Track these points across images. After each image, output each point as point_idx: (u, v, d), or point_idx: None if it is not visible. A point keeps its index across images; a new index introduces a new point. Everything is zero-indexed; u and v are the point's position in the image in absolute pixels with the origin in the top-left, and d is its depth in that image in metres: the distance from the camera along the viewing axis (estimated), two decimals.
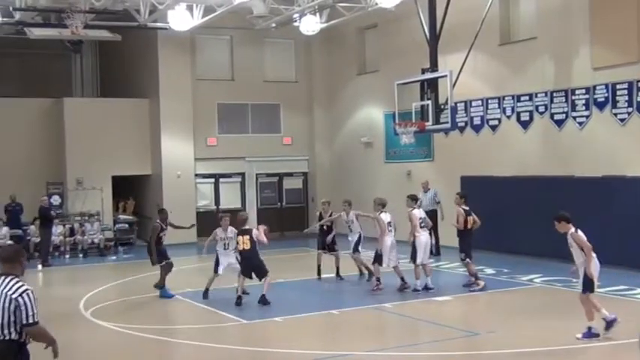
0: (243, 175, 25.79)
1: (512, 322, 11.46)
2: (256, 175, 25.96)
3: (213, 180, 25.42)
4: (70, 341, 11.12)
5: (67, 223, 22.39)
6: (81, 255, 21.61)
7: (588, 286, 9.99)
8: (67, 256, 21.55)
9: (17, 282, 6.10)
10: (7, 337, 6.05)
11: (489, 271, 16.77)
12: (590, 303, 9.98)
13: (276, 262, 17.26)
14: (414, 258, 14.32)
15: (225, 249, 14.14)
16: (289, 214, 26.25)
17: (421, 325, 11.90)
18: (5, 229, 21.12)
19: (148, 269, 15.97)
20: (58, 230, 21.73)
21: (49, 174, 23.66)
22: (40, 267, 19.91)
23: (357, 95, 25.02)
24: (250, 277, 13.52)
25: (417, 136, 18.88)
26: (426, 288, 14.22)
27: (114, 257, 21.91)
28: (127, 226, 23.80)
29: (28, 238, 21.34)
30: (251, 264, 13.35)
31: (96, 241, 22.15)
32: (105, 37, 22.06)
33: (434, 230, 19.47)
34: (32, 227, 21.44)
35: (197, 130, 24.54)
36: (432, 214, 19.36)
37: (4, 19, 19.50)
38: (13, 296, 6.00)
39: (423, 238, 14.42)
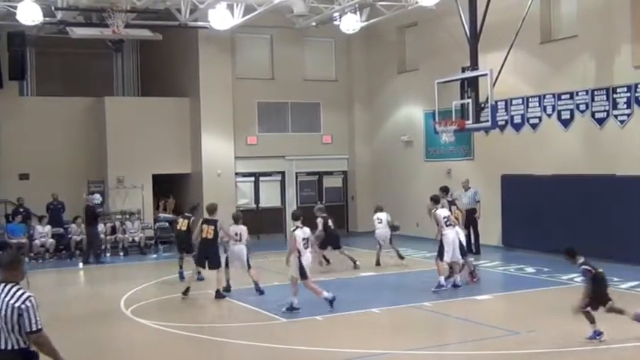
0: (283, 173, 25.86)
1: (552, 322, 11.30)
2: (296, 173, 26.02)
3: (253, 179, 25.53)
4: (110, 339, 11.31)
5: (108, 222, 22.65)
6: (122, 253, 21.84)
7: (303, 273, 12.30)
8: (108, 254, 21.79)
9: (18, 289, 5.94)
10: (14, 347, 5.88)
11: (529, 270, 16.59)
12: (309, 287, 12.36)
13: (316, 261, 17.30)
14: (440, 255, 14.23)
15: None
16: (329, 213, 26.12)
17: (461, 324, 11.79)
18: (47, 227, 21.48)
19: (188, 268, 16.11)
20: (99, 228, 22.04)
21: (90, 172, 24.00)
22: (81, 265, 20.21)
23: (397, 94, 24.91)
24: (203, 267, 14.54)
25: (457, 135, 18.84)
26: (454, 285, 14.26)
27: (154, 255, 22.12)
28: (167, 224, 23.97)
29: (70, 236, 21.66)
30: (206, 253, 14.26)
31: (136, 239, 22.36)
32: (146, 37, 22.30)
33: (474, 229, 19.35)
34: (73, 226, 21.77)
35: (237, 129, 24.68)
36: (472, 213, 19.27)
37: (47, 18, 19.77)
38: (16, 304, 5.83)
39: (450, 235, 14.29)
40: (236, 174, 24.93)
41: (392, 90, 25.18)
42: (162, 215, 24.40)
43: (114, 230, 22.43)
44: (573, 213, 17.87)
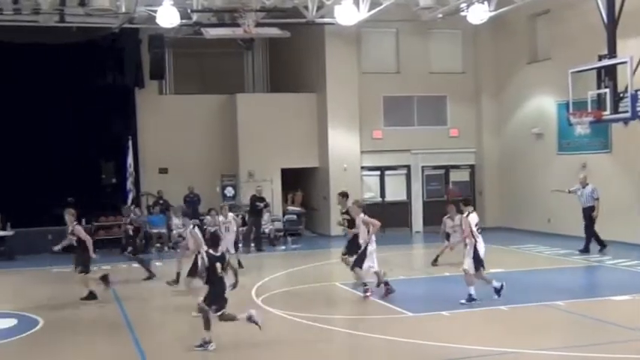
0: (408, 167, 25.74)
1: None
2: (422, 167, 25.82)
3: (378, 172, 25.59)
4: (244, 328, 11.68)
5: (239, 214, 23.37)
6: (252, 244, 22.50)
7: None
8: (240, 245, 22.48)
9: None
10: None
11: None
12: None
13: (442, 256, 17.13)
14: (477, 265, 12.62)
15: None
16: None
17: (596, 325, 11.31)
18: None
19: (315, 259, 16.37)
20: (219, 219, 22.85)
21: (223, 166, 24.95)
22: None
23: (527, 85, 24.15)
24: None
25: (593, 127, 18.03)
26: (471, 299, 12.62)
27: (283, 247, 22.63)
28: (295, 217, 24.52)
29: (205, 227, 22.51)
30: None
31: (266, 231, 22.96)
32: (275, 35, 22.84)
33: (591, 227, 18.51)
34: (208, 217, 22.58)
35: (363, 123, 24.81)
36: (590, 211, 18.48)
37: (183, 20, 20.77)
38: None
39: (482, 244, 12.85)
40: (362, 168, 25.08)
41: (522, 81, 24.44)
42: (290, 208, 24.94)
43: (245, 222, 23.11)
44: None
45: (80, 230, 13.98)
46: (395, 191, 25.63)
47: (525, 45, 24.33)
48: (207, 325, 10.02)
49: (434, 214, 25.38)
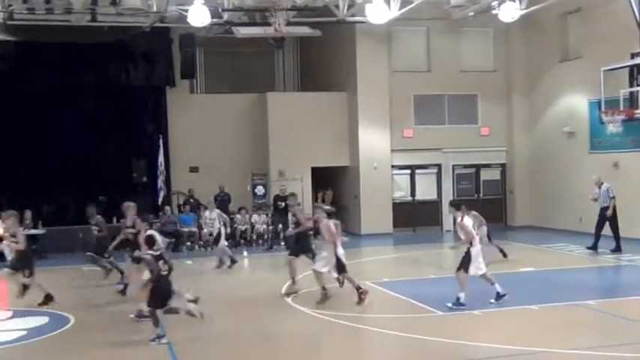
0: (439, 166, 25.69)
1: None
2: (452, 166, 25.74)
3: (409, 171, 25.56)
4: (272, 325, 11.81)
5: (269, 212, 23.53)
6: (282, 243, 22.59)
7: None
8: (270, 243, 22.64)
9: None
10: None
11: None
12: None
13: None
14: (465, 267, 12.35)
15: None
16: (487, 206, 25.70)
17: (628, 325, 11.20)
18: (214, 213, 22.55)
19: (345, 258, 16.37)
20: (261, 219, 23.01)
21: (254, 165, 25.10)
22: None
23: (558, 83, 23.95)
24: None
25: (625, 125, 17.91)
26: (499, 296, 12.48)
27: (313, 246, 22.62)
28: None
29: (235, 226, 22.71)
30: None
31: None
32: (306, 33, 22.92)
33: (613, 225, 18.27)
34: (238, 216, 22.82)
35: (393, 122, 24.79)
36: (606, 210, 18.28)
37: (214, 19, 20.91)
38: None
39: (479, 245, 12.68)
40: (392, 167, 25.07)
41: (553, 79, 24.23)
42: None
43: (273, 221, 23.23)
44: None
45: (22, 236, 13.66)
46: (425, 190, 25.60)
47: (557, 43, 24.12)
48: (156, 323, 10.51)
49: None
